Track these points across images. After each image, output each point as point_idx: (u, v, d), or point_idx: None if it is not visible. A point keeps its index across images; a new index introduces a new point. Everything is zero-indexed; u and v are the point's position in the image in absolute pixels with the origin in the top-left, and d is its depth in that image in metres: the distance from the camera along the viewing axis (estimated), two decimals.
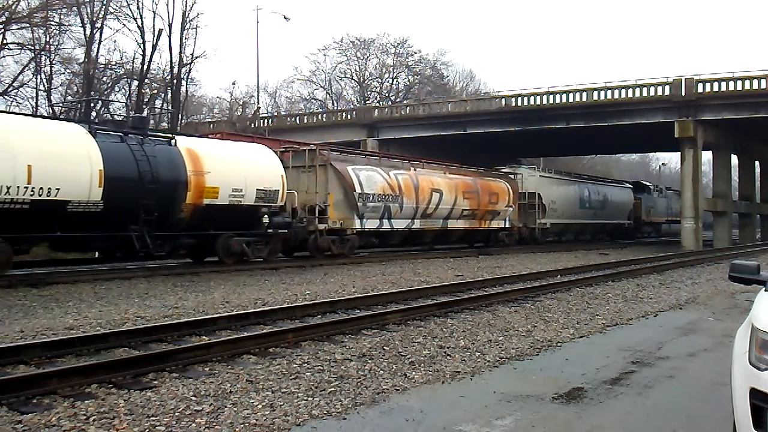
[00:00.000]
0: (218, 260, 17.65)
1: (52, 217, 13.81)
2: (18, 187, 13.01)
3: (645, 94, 34.96)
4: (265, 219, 18.37)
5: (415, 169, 25.69)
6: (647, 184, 52.36)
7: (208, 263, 18.14)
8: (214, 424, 5.07)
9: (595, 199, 39.75)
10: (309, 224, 20.61)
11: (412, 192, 24.54)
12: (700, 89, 33.80)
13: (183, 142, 17.05)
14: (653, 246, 38.49)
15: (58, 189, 13.64)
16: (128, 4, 35.87)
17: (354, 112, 45.12)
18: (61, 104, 33.76)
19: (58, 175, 13.67)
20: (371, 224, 22.97)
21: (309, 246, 20.92)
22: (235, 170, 17.59)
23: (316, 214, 20.78)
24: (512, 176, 32.73)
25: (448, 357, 7.52)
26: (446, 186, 26.49)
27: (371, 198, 22.64)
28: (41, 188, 13.37)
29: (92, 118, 33.75)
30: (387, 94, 61.97)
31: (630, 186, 47.27)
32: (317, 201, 20.91)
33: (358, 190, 22.05)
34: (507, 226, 31.01)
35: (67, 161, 13.92)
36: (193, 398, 5.69)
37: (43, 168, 13.42)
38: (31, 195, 13.22)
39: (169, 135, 17.46)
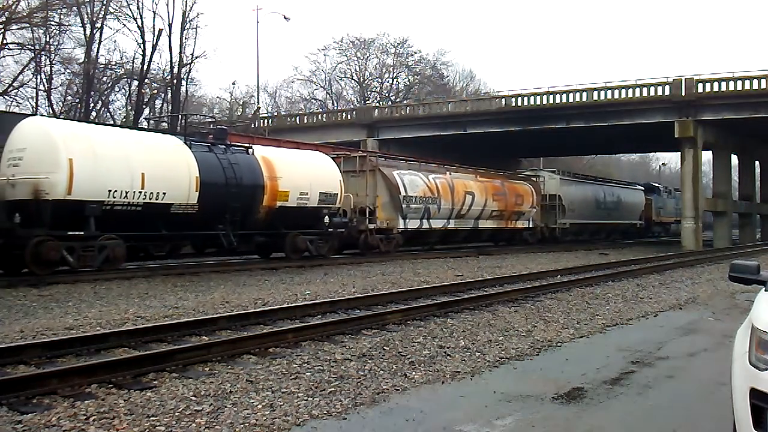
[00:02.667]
0: (285, 256, 19.33)
1: (159, 217, 15.69)
2: (134, 191, 14.96)
3: (645, 94, 34.98)
4: (326, 219, 20.24)
5: (450, 173, 27.53)
6: (657, 185, 53.61)
7: (207, 264, 18.22)
8: (214, 424, 5.06)
9: (610, 201, 40.90)
10: (359, 224, 22.50)
11: (449, 194, 26.42)
12: (700, 89, 33.81)
13: (259, 151, 18.96)
14: (653, 246, 38.51)
15: (164, 193, 15.54)
16: (128, 4, 35.93)
17: (354, 112, 45.12)
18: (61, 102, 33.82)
19: (165, 181, 15.57)
20: (413, 224, 24.87)
21: (359, 244, 22.78)
22: (302, 176, 19.41)
23: (367, 215, 22.75)
24: (535, 179, 34.46)
25: (448, 357, 7.51)
26: (477, 188, 28.41)
27: (414, 200, 24.59)
28: (152, 192, 15.28)
29: (92, 118, 33.84)
30: (387, 94, 61.99)
31: (641, 188, 48.51)
32: (367, 203, 22.86)
33: (402, 192, 23.97)
34: (530, 225, 32.87)
35: (171, 169, 15.83)
36: (193, 398, 5.68)
37: (154, 175, 15.31)
38: (144, 198, 15.16)
39: (247, 144, 19.33)
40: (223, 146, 17.87)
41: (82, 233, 14.16)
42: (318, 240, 20.06)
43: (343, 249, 22.62)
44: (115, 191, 14.60)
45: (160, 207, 15.51)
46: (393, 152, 34.31)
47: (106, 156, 14.62)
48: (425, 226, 25.52)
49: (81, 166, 14.02)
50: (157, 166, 15.48)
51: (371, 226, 22.84)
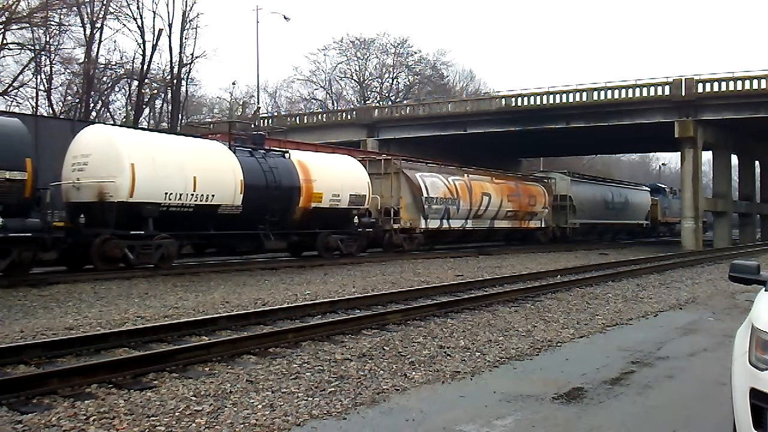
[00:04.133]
0: (317, 254, 20.44)
1: (208, 218, 16.84)
2: (187, 194, 16.04)
3: (645, 94, 34.97)
4: (355, 219, 21.40)
5: (467, 175, 28.58)
6: (663, 186, 54.61)
7: (207, 264, 18.26)
8: (214, 424, 5.06)
9: (617, 201, 41.59)
10: (384, 224, 23.67)
11: (467, 195, 27.54)
12: (700, 89, 33.79)
13: (294, 155, 20.09)
14: (653, 246, 38.53)
15: (213, 195, 16.63)
16: (128, 4, 35.91)
17: (354, 112, 45.08)
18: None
19: (214, 185, 16.67)
20: (434, 224, 25.96)
21: (384, 243, 23.90)
22: (334, 178, 20.51)
23: (391, 215, 23.92)
24: (546, 180, 35.27)
25: (448, 357, 7.52)
26: (493, 190, 29.52)
27: (435, 201, 25.68)
28: (202, 195, 16.36)
29: (92, 118, 33.84)
30: (387, 94, 61.98)
31: (647, 188, 49.33)
32: (391, 204, 23.98)
33: (425, 194, 25.06)
34: (543, 226, 33.90)
35: (219, 173, 16.91)
36: (193, 398, 5.69)
37: (204, 179, 16.39)
38: (195, 200, 16.25)
39: (284, 149, 20.43)
40: (263, 151, 18.94)
41: (143, 232, 15.29)
42: (348, 239, 21.20)
43: (368, 247, 23.47)
44: (171, 194, 15.70)
45: (209, 208, 16.64)
46: (393, 151, 34.35)
47: (163, 161, 15.72)
48: (445, 225, 26.56)
49: (142, 170, 15.11)
50: (207, 171, 16.56)
51: (395, 226, 23.97)
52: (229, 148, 17.87)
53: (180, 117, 39.75)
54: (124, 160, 14.99)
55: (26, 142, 13.58)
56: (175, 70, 37.79)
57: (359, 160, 23.05)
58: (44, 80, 34.72)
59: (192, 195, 16.12)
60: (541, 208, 33.19)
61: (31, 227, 13.41)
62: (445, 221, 26.50)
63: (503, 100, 39.05)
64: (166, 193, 15.59)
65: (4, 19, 29.79)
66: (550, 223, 34.42)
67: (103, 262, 14.71)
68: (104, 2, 34.66)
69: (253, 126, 41.55)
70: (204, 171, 16.46)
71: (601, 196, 39.66)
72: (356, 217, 21.37)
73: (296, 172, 19.30)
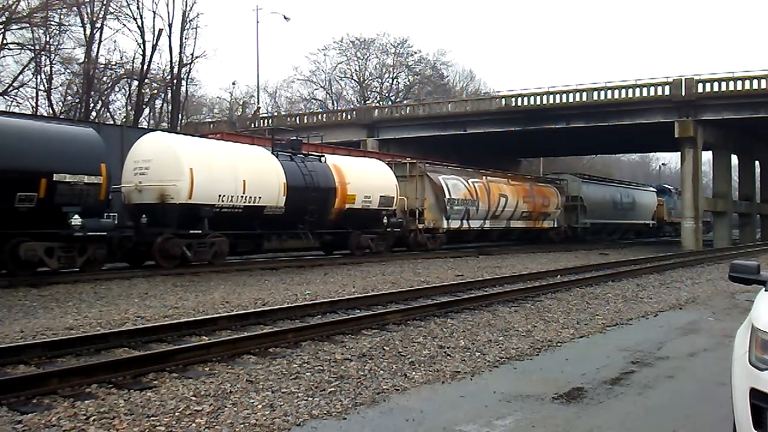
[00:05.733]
0: (349, 253, 21.61)
1: (255, 218, 17.89)
2: (238, 196, 17.14)
3: (645, 94, 34.96)
4: (385, 220, 22.48)
5: (486, 177, 29.85)
6: (669, 187, 55.61)
7: (207, 264, 18.22)
8: (214, 424, 5.07)
9: (626, 201, 42.55)
10: (409, 224, 24.78)
11: (486, 196, 28.84)
12: (700, 89, 33.77)
13: (330, 159, 21.25)
14: (654, 246, 38.54)
15: (260, 197, 17.67)
16: (128, 4, 35.92)
17: (354, 112, 45.05)
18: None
19: (261, 187, 17.73)
20: (455, 224, 27.21)
21: (409, 242, 25.12)
22: (366, 180, 21.69)
23: (416, 216, 25.06)
24: (558, 182, 36.35)
25: (448, 357, 7.52)
26: (510, 191, 30.74)
27: (456, 202, 26.93)
28: (251, 197, 17.43)
29: (92, 118, 33.82)
30: (387, 94, 61.95)
31: (654, 189, 50.39)
32: (416, 205, 25.18)
33: (447, 195, 26.32)
34: (555, 225, 35.04)
35: (265, 176, 17.97)
36: (193, 398, 5.69)
37: (253, 182, 17.46)
38: (245, 202, 17.34)
39: (320, 153, 21.46)
40: (302, 155, 20.15)
41: (199, 231, 16.41)
42: (378, 239, 22.41)
43: (393, 246, 24.38)
44: (224, 196, 16.83)
45: (256, 209, 17.69)
46: (393, 151, 34.38)
47: (218, 166, 16.87)
48: (465, 226, 27.78)
49: (199, 174, 16.19)
50: (255, 174, 17.60)
51: (420, 226, 25.13)
52: (272, 152, 18.90)
53: (180, 117, 39.75)
54: (184, 165, 16.02)
55: (101, 149, 14.71)
56: (175, 70, 37.81)
57: (386, 163, 24.22)
58: (44, 80, 34.73)
59: (242, 197, 17.16)
60: (554, 209, 34.21)
61: (106, 226, 14.57)
62: (465, 221, 27.64)
63: (503, 100, 39.03)
64: (219, 195, 16.66)
65: (4, 19, 29.80)
66: (562, 223, 35.50)
67: (163, 260, 15.84)
68: (104, 2, 34.67)
69: (250, 124, 41.58)
70: (252, 175, 17.44)
71: (610, 196, 40.46)
72: (385, 217, 22.39)
73: (332, 174, 20.39)
